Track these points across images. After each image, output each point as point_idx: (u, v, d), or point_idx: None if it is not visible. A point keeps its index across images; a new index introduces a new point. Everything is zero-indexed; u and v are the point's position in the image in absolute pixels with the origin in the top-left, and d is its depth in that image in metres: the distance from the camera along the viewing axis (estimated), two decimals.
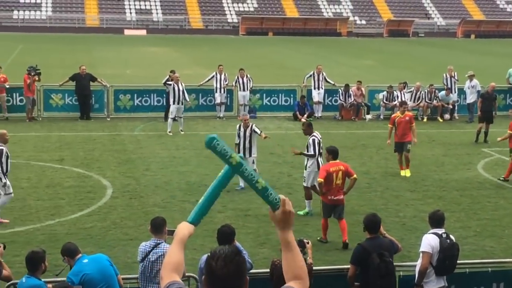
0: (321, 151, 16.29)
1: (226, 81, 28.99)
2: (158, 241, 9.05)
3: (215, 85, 28.89)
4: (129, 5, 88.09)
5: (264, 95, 30.10)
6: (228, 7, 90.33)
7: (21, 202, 16.58)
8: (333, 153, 14.60)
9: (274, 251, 13.27)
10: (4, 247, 9.83)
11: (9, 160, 15.32)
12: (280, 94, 30.26)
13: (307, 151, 16.19)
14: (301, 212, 16.13)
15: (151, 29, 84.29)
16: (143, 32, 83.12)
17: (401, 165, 20.24)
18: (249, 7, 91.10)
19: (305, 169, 16.40)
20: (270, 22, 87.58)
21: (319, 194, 14.91)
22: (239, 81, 29.03)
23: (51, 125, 26.77)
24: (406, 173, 20.04)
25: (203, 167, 20.31)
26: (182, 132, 25.24)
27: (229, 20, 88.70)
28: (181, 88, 25.49)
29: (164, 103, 28.82)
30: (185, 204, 16.68)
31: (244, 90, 29.01)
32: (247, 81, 29.10)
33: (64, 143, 23.53)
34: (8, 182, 15.22)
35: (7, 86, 27.44)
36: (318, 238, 14.54)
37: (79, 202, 16.71)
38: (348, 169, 14.66)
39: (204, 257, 9.03)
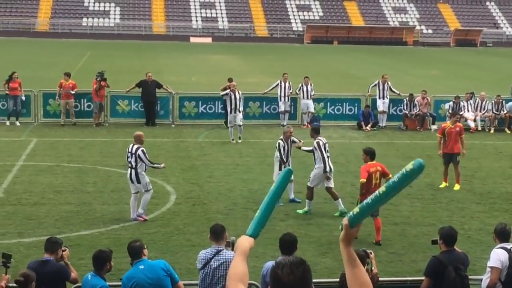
0: (327, 154, 16.86)
1: (290, 89, 29.01)
2: (219, 248, 9.05)
3: (279, 93, 28.92)
4: (195, 13, 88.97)
5: (328, 103, 30.00)
6: (294, 15, 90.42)
7: (87, 206, 16.87)
8: (370, 154, 15.06)
9: (336, 260, 13.19)
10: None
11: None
12: (344, 103, 30.11)
13: (314, 155, 16.89)
14: (300, 211, 16.79)
15: (217, 36, 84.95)
16: (208, 39, 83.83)
17: (445, 177, 19.73)
18: (314, 16, 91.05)
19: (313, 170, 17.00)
20: (335, 31, 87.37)
21: (334, 197, 16.53)
22: (303, 89, 29.02)
23: (117, 131, 27.18)
24: (456, 187, 19.55)
25: (266, 175, 20.32)
26: (240, 140, 25.31)
27: (294, 29, 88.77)
28: (237, 97, 25.30)
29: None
30: (248, 212, 16.73)
31: (307, 98, 29.00)
32: (310, 89, 29.08)
33: None
34: (147, 179, 16.20)
35: (73, 92, 27.94)
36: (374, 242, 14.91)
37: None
38: (385, 169, 15.07)
39: (267, 264, 9.02)
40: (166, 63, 54.46)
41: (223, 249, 9.07)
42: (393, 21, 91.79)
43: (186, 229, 15.37)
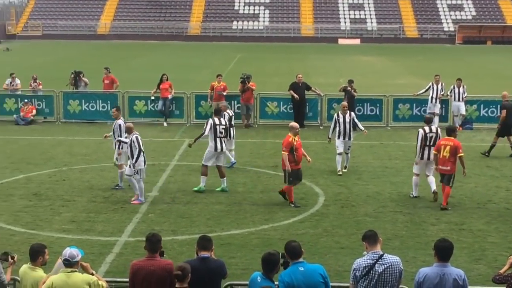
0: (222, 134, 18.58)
1: (442, 91, 28.33)
2: (380, 252, 8.91)
3: (430, 95, 28.31)
4: (344, 14, 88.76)
5: (482, 106, 29.05)
6: (445, 15, 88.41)
7: (237, 206, 17.16)
8: (446, 130, 17.49)
9: (490, 268, 12.76)
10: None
11: None
12: (498, 106, 28.96)
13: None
14: (195, 188, 18.37)
15: (365, 38, 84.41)
16: (357, 41, 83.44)
17: None
18: (466, 15, 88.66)
19: None
20: (489, 30, 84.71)
21: (221, 175, 18.60)
22: (454, 91, 28.29)
23: (266, 132, 27.50)
24: None
25: None
26: (345, 170, 20.90)
27: (445, 29, 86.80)
28: (347, 120, 20.83)
29: (377, 112, 28.78)
30: (397, 215, 16.47)
31: (459, 100, 28.23)
32: (463, 91, 28.28)
33: (278, 150, 23.93)
34: None
35: (225, 94, 28.54)
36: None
37: (292, 209, 16.98)
38: (458, 147, 16.89)
39: (422, 270, 8.78)
40: (314, 65, 54.63)
41: (384, 253, 8.90)
42: None
43: (334, 231, 15.32)
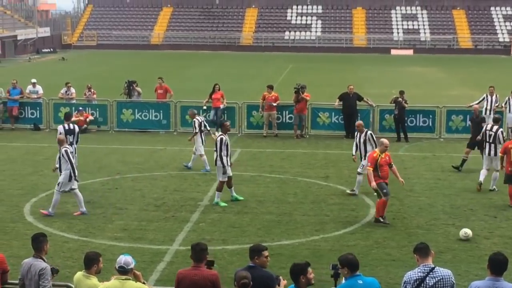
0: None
1: (497, 102, 27.89)
2: (431, 265, 8.83)
3: (484, 107, 27.92)
4: (397, 25, 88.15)
5: None
6: (500, 25, 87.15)
7: (287, 216, 17.14)
8: None
9: None
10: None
11: None
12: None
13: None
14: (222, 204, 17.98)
15: (418, 48, 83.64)
16: (409, 52, 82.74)
17: None
18: None
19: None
20: None
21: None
22: (509, 102, 27.83)
23: (318, 142, 27.43)
24: None
25: (469, 191, 19.70)
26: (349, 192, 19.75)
27: (500, 40, 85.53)
28: (361, 139, 19.65)
29: (430, 123, 28.48)
30: (450, 228, 16.27)
31: None
32: None
33: (330, 161, 23.99)
34: None
35: (274, 104, 28.55)
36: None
37: (343, 220, 16.92)
38: None
39: (474, 284, 8.67)
40: (366, 76, 54.35)
41: (435, 266, 8.81)
42: None
43: (385, 243, 15.20)
